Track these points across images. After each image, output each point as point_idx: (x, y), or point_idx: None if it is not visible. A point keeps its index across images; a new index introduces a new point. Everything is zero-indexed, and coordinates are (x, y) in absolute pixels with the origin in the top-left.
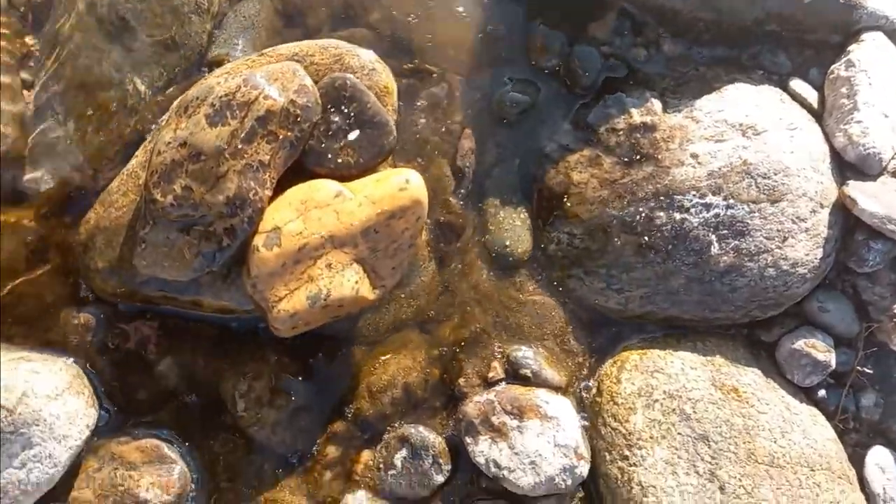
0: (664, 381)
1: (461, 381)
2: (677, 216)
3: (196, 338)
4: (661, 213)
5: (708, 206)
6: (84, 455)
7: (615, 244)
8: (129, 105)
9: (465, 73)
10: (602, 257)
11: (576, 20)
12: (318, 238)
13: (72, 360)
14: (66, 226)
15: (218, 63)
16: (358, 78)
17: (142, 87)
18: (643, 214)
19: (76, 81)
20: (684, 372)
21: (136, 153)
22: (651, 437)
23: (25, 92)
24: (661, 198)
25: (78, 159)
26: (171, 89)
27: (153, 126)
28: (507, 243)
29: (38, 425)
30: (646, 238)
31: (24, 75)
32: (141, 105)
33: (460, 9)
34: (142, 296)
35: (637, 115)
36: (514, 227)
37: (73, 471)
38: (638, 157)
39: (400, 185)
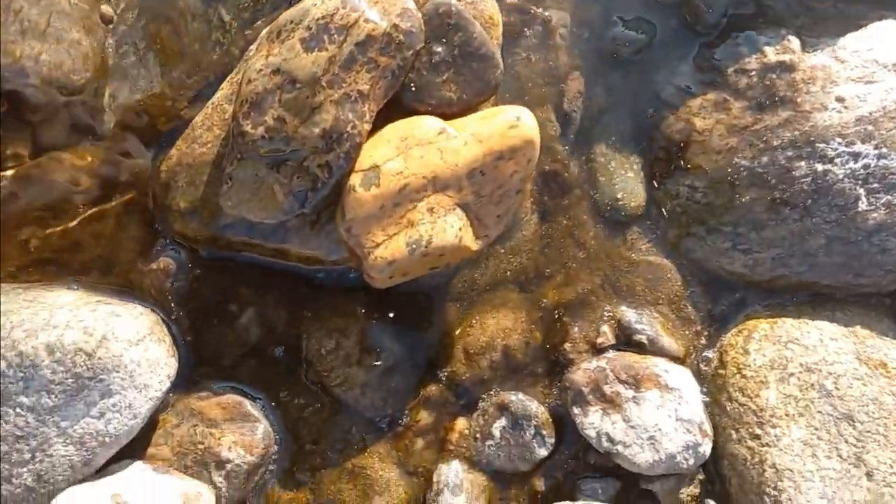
0: (800, 352)
1: (567, 345)
2: (819, 167)
3: (280, 289)
4: (800, 164)
5: (856, 156)
6: (163, 409)
7: (744, 199)
8: (213, 37)
9: (572, 7)
10: (727, 214)
11: None
12: (419, 179)
13: (150, 306)
14: (145, 165)
15: None
16: (462, 6)
17: (227, 18)
18: (778, 165)
19: (156, 12)
20: (823, 343)
21: (222, 86)
22: (786, 415)
23: (105, 26)
24: (800, 146)
25: (158, 94)
26: (259, 22)
27: (239, 61)
28: (619, 196)
29: (118, 372)
30: (780, 192)
31: (105, 8)
32: (226, 38)
33: None
34: (225, 241)
35: (772, 54)
36: (626, 180)
37: (151, 425)
38: (773, 100)
39: (510, 122)
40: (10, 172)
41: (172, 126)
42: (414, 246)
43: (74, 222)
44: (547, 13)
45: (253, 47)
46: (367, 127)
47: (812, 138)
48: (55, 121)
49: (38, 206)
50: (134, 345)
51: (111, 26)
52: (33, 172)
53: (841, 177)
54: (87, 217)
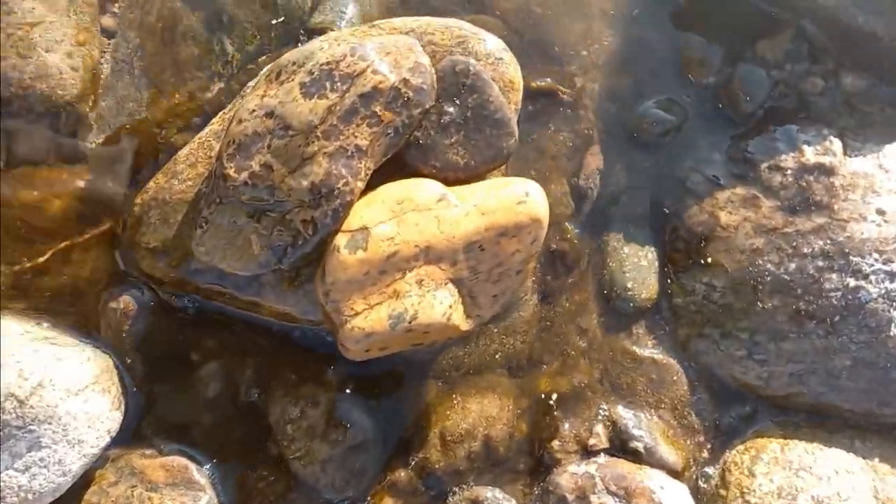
0: (812, 483)
1: (555, 443)
2: (851, 282)
3: (249, 344)
4: (831, 276)
5: (893, 276)
6: (101, 463)
7: (766, 306)
8: (213, 68)
9: (600, 79)
10: (746, 319)
11: (742, 35)
12: (412, 247)
13: (103, 349)
14: (122, 194)
15: (319, 32)
16: (482, 66)
17: (230, 49)
18: (807, 274)
19: (159, 34)
20: (838, 475)
21: (213, 121)
22: None
23: (105, 40)
24: (833, 257)
25: (147, 121)
26: (263, 58)
27: (236, 96)
28: (629, 286)
29: (50, 424)
30: (806, 303)
31: (107, 21)
32: (226, 70)
33: (604, 5)
34: (193, 286)
35: (811, 154)
36: (638, 268)
37: (85, 480)
38: (807, 204)
39: (518, 197)
40: None
41: (155, 156)
42: (397, 320)
43: (44, 258)
44: (574, 82)
45: (251, 84)
46: (362, 185)
47: (846, 250)
48: (34, 134)
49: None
50: (73, 395)
51: (111, 41)
52: (3, 185)
53: (875, 296)
54: (60, 250)
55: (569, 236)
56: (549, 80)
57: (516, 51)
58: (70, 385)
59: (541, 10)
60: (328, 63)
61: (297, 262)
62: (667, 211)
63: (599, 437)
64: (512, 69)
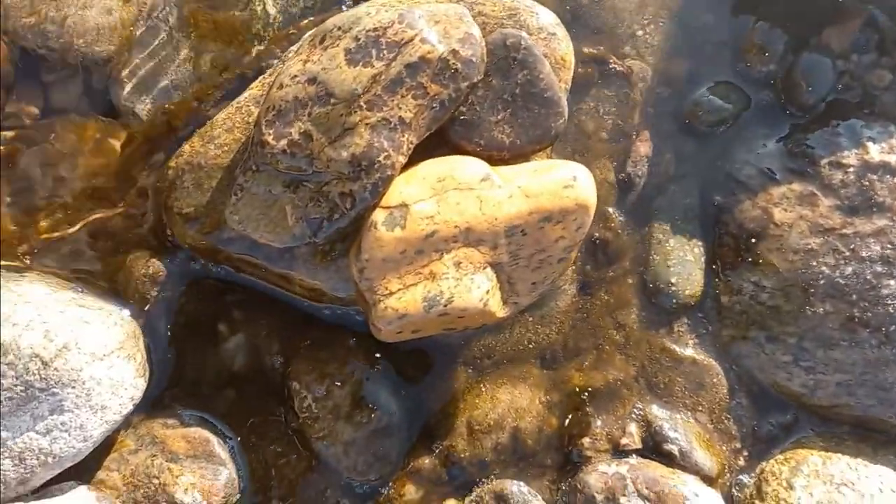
0: (855, 500)
1: (585, 440)
2: None
3: (278, 318)
4: (890, 283)
5: None
6: (122, 430)
7: (817, 310)
8: (253, 30)
9: (654, 62)
10: (794, 323)
11: (807, 21)
12: (451, 227)
13: (130, 314)
14: (158, 157)
15: None
16: (533, 41)
17: (272, 10)
18: (863, 279)
19: None
20: (883, 494)
21: (253, 85)
22: None
23: None
24: (893, 263)
25: (185, 83)
26: (306, 21)
27: (277, 60)
28: (673, 281)
29: (73, 388)
30: (861, 311)
31: None
32: (268, 32)
33: None
34: (225, 255)
35: (876, 152)
36: (683, 263)
37: (106, 445)
38: (869, 204)
39: (565, 181)
40: (11, 133)
41: (191, 120)
42: (431, 302)
43: (75, 228)
44: (627, 63)
45: (293, 48)
46: (403, 160)
47: None
48: (70, 88)
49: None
50: (98, 360)
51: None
52: (38, 134)
53: None
54: (90, 222)
55: (612, 225)
56: (601, 48)
57: (567, 26)
58: (96, 349)
59: None
60: (375, 29)
61: (332, 237)
62: (717, 204)
63: (632, 436)
64: (564, 45)
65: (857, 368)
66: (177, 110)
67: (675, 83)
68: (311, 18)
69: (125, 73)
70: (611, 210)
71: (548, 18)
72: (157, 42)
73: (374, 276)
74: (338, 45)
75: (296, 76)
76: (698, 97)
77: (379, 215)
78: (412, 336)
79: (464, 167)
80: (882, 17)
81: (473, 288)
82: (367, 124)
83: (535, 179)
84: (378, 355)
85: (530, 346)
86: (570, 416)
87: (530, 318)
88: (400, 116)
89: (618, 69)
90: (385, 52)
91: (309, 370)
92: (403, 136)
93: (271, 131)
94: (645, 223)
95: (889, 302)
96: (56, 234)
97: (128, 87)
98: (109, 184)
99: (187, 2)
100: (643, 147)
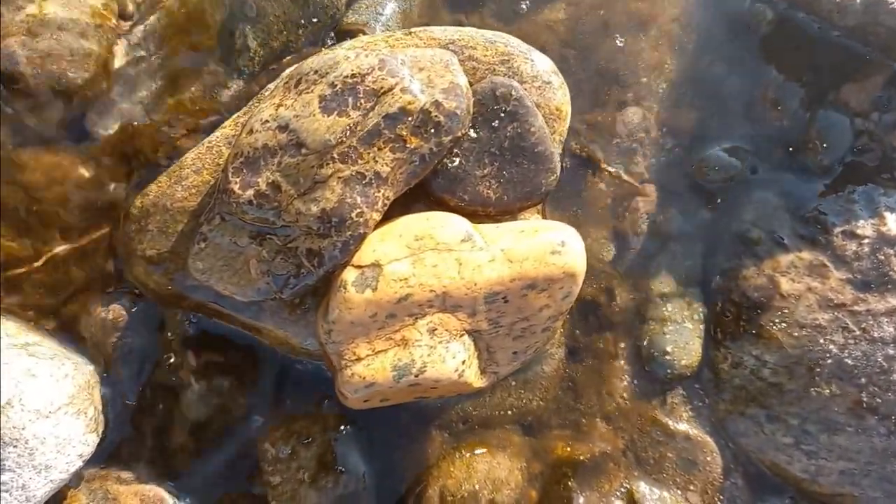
0: None
1: None
2: None
3: (245, 369)
4: None
5: None
6: (75, 482)
7: (822, 392)
8: (233, 63)
9: (660, 111)
10: (797, 404)
11: (825, 76)
12: (426, 291)
13: (86, 360)
14: (124, 192)
15: (351, 34)
16: (526, 90)
17: (253, 44)
18: (874, 362)
19: (180, 19)
20: None
21: (226, 123)
22: None
23: (122, 22)
24: None
25: (158, 115)
26: (289, 58)
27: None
28: (668, 349)
29: (15, 447)
30: (870, 396)
31: (125, 1)
32: (248, 67)
33: (670, 27)
34: (190, 302)
35: (894, 223)
36: (680, 330)
37: (54, 501)
38: (883, 280)
39: (552, 246)
40: None
41: (161, 155)
42: (402, 372)
43: (40, 262)
44: (631, 111)
45: (271, 86)
46: (378, 217)
47: None
48: (44, 114)
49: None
50: (43, 417)
51: (128, 24)
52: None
53: None
54: (53, 257)
55: (606, 286)
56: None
57: (567, 69)
58: (40, 405)
59: (599, 25)
60: (353, 76)
61: (300, 292)
62: (720, 269)
63: None
64: (560, 95)
65: (862, 457)
66: (149, 141)
67: (681, 136)
68: (294, 54)
69: (99, 100)
70: (606, 269)
71: (544, 65)
72: (132, 70)
73: (341, 340)
74: (312, 91)
75: (267, 121)
76: (706, 152)
77: (349, 275)
78: (381, 404)
79: (444, 226)
80: None
81: (448, 357)
82: (339, 178)
83: (520, 242)
84: (347, 413)
85: (512, 411)
86: (550, 491)
87: (513, 383)
88: (376, 171)
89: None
90: (362, 100)
91: (275, 427)
92: (379, 191)
93: (238, 180)
94: (642, 285)
95: None
96: (21, 271)
97: (101, 115)
98: (75, 216)
99: (166, 31)
100: (644, 203)
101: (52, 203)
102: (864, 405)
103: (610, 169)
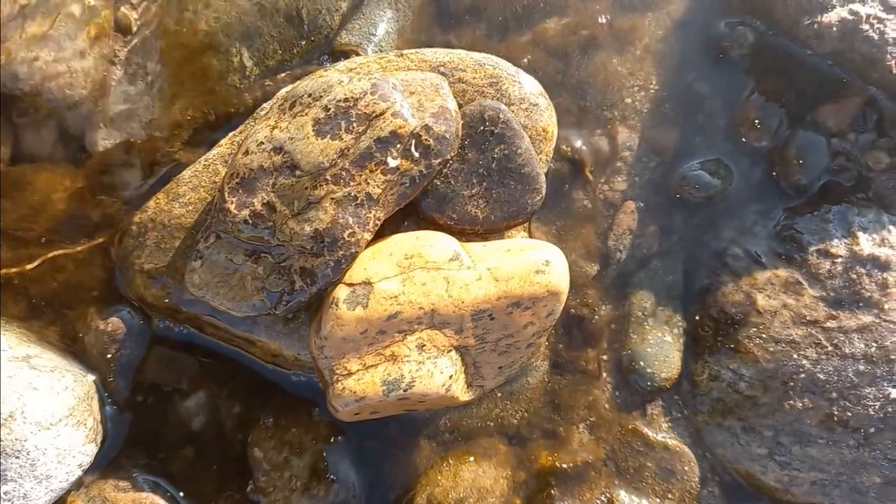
0: None
1: None
2: (893, 393)
3: (241, 381)
4: (872, 383)
5: None
6: (73, 488)
7: (795, 405)
8: (229, 80)
9: (643, 130)
10: (772, 416)
11: (805, 97)
12: (415, 309)
13: (86, 371)
14: (122, 207)
15: (344, 54)
16: (514, 112)
17: (249, 62)
18: (845, 377)
19: (176, 36)
20: None
21: (222, 142)
22: None
23: (119, 35)
24: (876, 362)
25: (155, 131)
26: (283, 75)
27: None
28: (649, 362)
29: (17, 458)
30: (840, 410)
31: (124, 13)
32: (243, 84)
33: (655, 47)
34: (186, 316)
35: (866, 243)
36: (661, 344)
37: None
38: (855, 299)
39: (536, 265)
40: None
41: (160, 171)
42: (391, 386)
43: (34, 265)
44: (613, 129)
45: (266, 106)
46: (369, 236)
47: (893, 357)
48: (42, 131)
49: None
50: (44, 429)
51: (126, 39)
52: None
53: None
54: (50, 259)
55: (590, 301)
56: (584, 103)
57: (552, 82)
58: (42, 418)
59: (585, 45)
60: (346, 100)
61: (293, 309)
62: (700, 285)
63: None
64: (546, 116)
65: (833, 468)
66: (147, 157)
67: (663, 153)
68: (289, 73)
69: (97, 117)
70: (589, 284)
71: (531, 88)
72: (130, 88)
73: (332, 355)
74: (307, 115)
75: (262, 143)
76: (686, 171)
77: (341, 292)
78: (371, 417)
79: (432, 245)
80: (885, 97)
81: (436, 372)
82: (332, 199)
83: (505, 262)
84: (339, 424)
85: (498, 422)
86: (534, 499)
87: (499, 394)
88: (367, 192)
89: (603, 132)
90: (355, 124)
91: (269, 436)
92: (370, 212)
93: (234, 199)
94: (624, 300)
95: (870, 403)
96: (14, 270)
97: (99, 132)
98: (74, 231)
99: (164, 49)
100: (626, 220)
101: (49, 217)
102: (835, 418)
103: (595, 185)
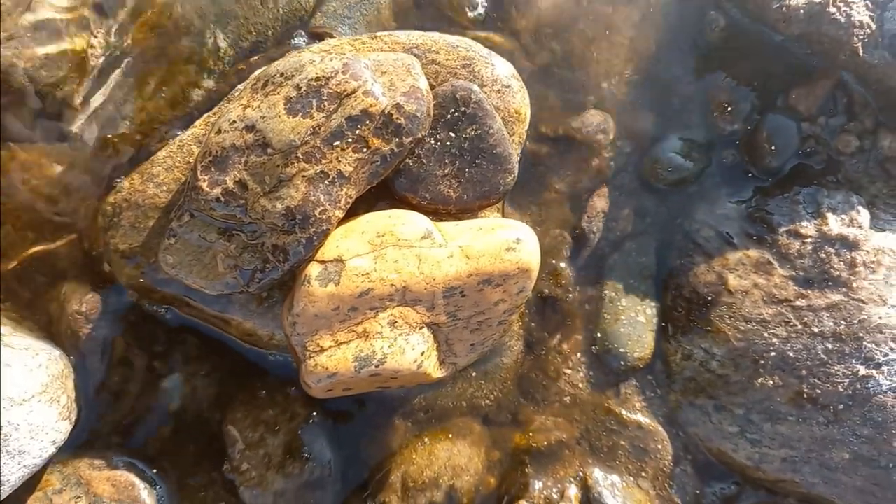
0: None
1: (522, 503)
2: (861, 370)
3: (216, 360)
4: (841, 361)
5: None
6: (48, 467)
7: (766, 383)
8: (202, 62)
9: (619, 112)
10: (743, 394)
11: (775, 81)
12: (387, 286)
13: (60, 351)
14: (97, 187)
15: (319, 36)
16: (486, 93)
17: (223, 44)
18: (814, 354)
19: (151, 21)
20: None
21: (197, 123)
22: None
23: (97, 23)
24: (845, 340)
25: (133, 114)
26: (257, 57)
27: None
28: (623, 342)
29: None
30: (810, 387)
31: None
32: (217, 66)
33: (631, 33)
34: (161, 295)
35: (835, 223)
36: (634, 324)
37: (31, 482)
38: (824, 277)
39: (508, 243)
40: None
41: (135, 152)
42: (363, 362)
43: (14, 263)
44: (588, 114)
45: (240, 87)
46: (341, 214)
47: (860, 335)
48: (21, 111)
49: None
50: (17, 405)
51: (103, 21)
52: None
53: (885, 388)
54: (29, 256)
55: (563, 282)
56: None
57: (529, 74)
58: (14, 394)
59: (561, 33)
60: (317, 79)
61: (265, 287)
62: (673, 265)
63: (571, 501)
64: (519, 98)
65: (803, 445)
66: (122, 139)
67: (638, 138)
68: (263, 54)
69: (73, 99)
70: (562, 265)
71: (503, 70)
72: (105, 70)
73: (305, 332)
74: (278, 94)
75: (234, 122)
76: (660, 154)
77: (313, 269)
78: (344, 394)
79: (405, 223)
80: (855, 82)
81: (408, 349)
82: (304, 177)
83: (477, 240)
84: (314, 403)
85: (472, 401)
86: (508, 477)
87: (474, 374)
88: (339, 170)
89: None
90: (326, 102)
91: (245, 415)
92: (342, 189)
93: (206, 178)
94: (597, 281)
95: (838, 380)
96: None
97: (74, 114)
98: (50, 213)
99: (138, 31)
100: (600, 202)
101: (26, 198)
102: (805, 396)
103: (569, 168)
